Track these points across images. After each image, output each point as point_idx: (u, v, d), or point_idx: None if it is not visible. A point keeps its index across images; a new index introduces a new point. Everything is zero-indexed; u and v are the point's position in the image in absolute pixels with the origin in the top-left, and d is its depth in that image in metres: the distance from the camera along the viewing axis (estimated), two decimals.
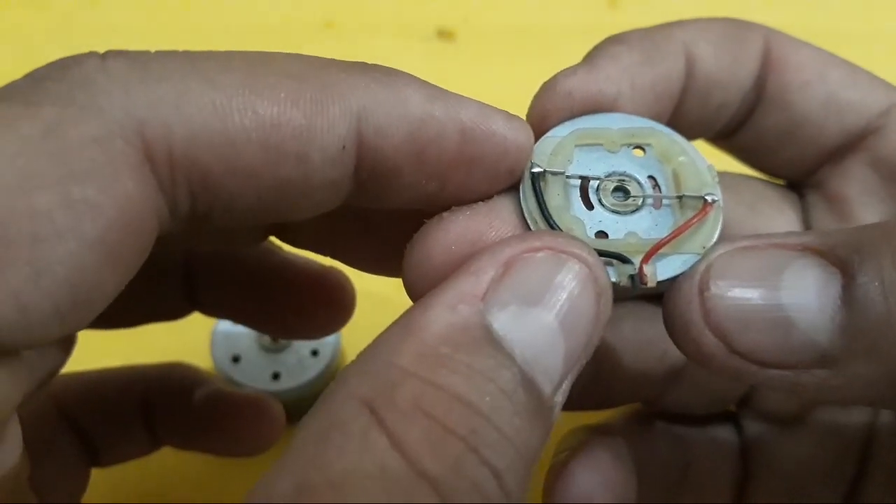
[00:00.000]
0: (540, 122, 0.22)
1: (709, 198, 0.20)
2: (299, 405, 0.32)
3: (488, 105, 0.20)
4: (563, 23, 0.52)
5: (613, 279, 0.19)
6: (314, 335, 0.34)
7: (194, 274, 0.29)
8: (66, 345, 0.22)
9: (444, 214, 0.20)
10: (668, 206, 0.21)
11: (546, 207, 0.20)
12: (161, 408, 0.30)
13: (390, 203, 0.20)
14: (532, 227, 0.20)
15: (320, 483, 0.15)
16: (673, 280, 0.20)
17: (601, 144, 0.21)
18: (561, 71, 0.22)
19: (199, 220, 0.19)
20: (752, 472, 0.28)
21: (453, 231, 0.20)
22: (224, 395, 0.31)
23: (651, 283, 0.19)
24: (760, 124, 0.25)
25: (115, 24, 0.52)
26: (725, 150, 0.27)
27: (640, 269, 0.19)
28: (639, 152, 0.22)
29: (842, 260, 0.18)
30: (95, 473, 0.30)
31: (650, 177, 0.21)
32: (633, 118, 0.22)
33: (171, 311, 0.30)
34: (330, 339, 0.37)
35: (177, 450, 0.32)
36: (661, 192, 0.21)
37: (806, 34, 0.25)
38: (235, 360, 0.37)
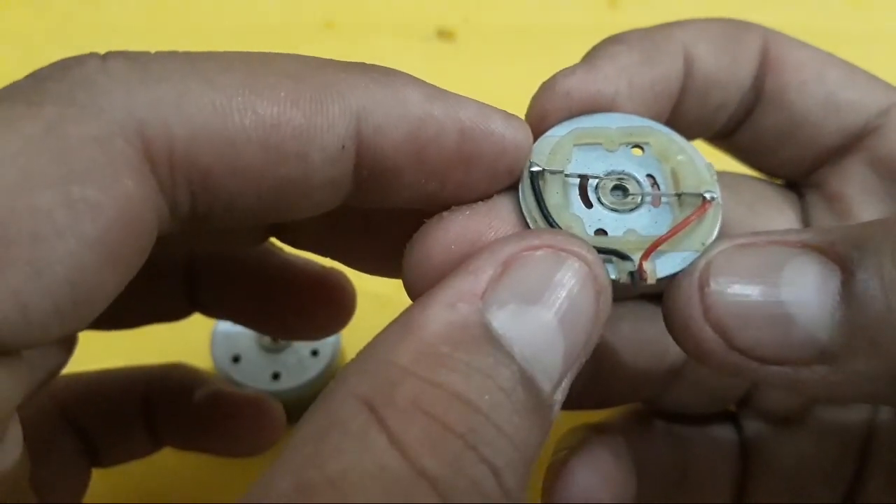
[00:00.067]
0: (539, 122, 0.22)
1: (707, 195, 0.20)
2: (299, 405, 0.32)
3: (487, 105, 0.20)
4: (563, 23, 0.52)
5: (613, 276, 0.19)
6: (314, 336, 0.34)
7: (195, 275, 0.29)
8: (67, 345, 0.22)
9: (444, 214, 0.20)
10: (667, 203, 0.21)
11: (545, 206, 0.20)
12: (162, 408, 0.30)
13: (390, 203, 0.20)
14: (531, 225, 0.20)
15: (319, 482, 0.15)
16: (672, 277, 0.20)
17: (600, 144, 0.21)
18: (559, 71, 0.22)
19: (200, 220, 0.19)
20: (751, 471, 0.28)
21: (453, 231, 0.20)
22: (224, 395, 0.31)
23: (651, 280, 0.19)
24: (759, 124, 0.25)
25: (115, 24, 0.52)
26: (724, 150, 0.27)
27: (640, 265, 0.19)
28: (637, 151, 0.22)
29: (841, 256, 0.18)
30: (96, 474, 0.30)
31: (649, 175, 0.21)
32: (631, 117, 0.22)
33: (172, 312, 0.30)
34: (330, 339, 0.37)
35: (177, 450, 0.32)
36: (659, 190, 0.21)
37: (805, 34, 0.25)
38: (235, 360, 0.37)
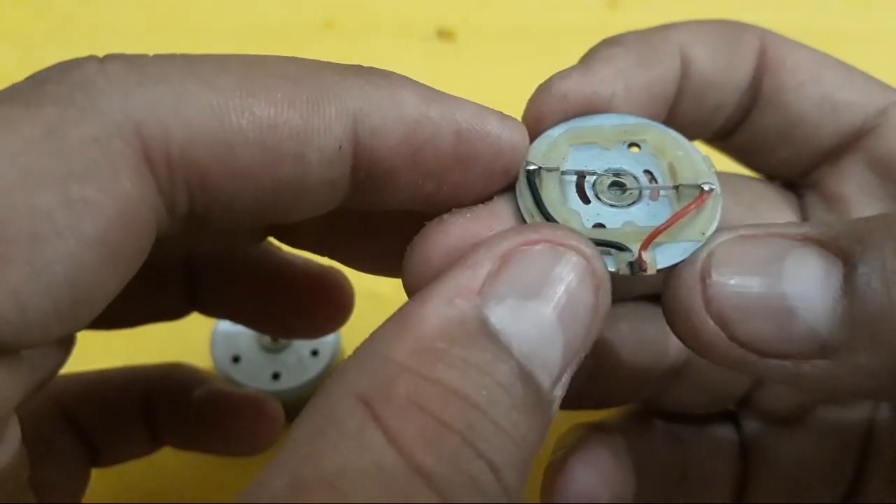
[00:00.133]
0: (535, 124, 0.22)
1: (706, 186, 0.20)
2: (299, 405, 0.32)
3: (483, 106, 0.20)
4: (563, 23, 0.52)
5: (612, 268, 0.19)
6: (314, 335, 0.34)
7: (194, 274, 0.29)
8: (66, 345, 0.22)
9: (444, 217, 0.20)
10: (665, 197, 0.21)
11: (542, 202, 0.20)
12: (161, 408, 0.30)
13: (388, 204, 0.21)
14: (529, 222, 0.20)
15: (316, 480, 0.15)
16: (673, 268, 0.20)
17: (596, 143, 0.21)
18: (556, 73, 0.22)
19: (198, 221, 0.19)
20: (751, 471, 0.28)
21: (453, 234, 0.20)
22: (224, 394, 0.31)
23: (651, 271, 0.19)
24: (757, 125, 0.25)
25: (114, 24, 0.52)
26: (722, 151, 0.27)
27: (639, 255, 0.19)
28: (634, 149, 0.22)
29: (843, 250, 0.18)
30: (96, 473, 0.30)
31: (646, 171, 0.21)
32: (627, 117, 0.22)
33: (171, 312, 0.30)
34: (330, 338, 0.37)
35: (177, 450, 0.32)
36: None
37: (804, 34, 0.25)
38: (235, 360, 0.37)
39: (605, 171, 0.21)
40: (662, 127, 0.22)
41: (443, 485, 0.15)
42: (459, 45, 0.52)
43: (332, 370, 0.37)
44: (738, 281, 0.19)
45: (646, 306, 0.26)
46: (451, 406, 0.16)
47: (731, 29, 0.24)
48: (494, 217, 0.20)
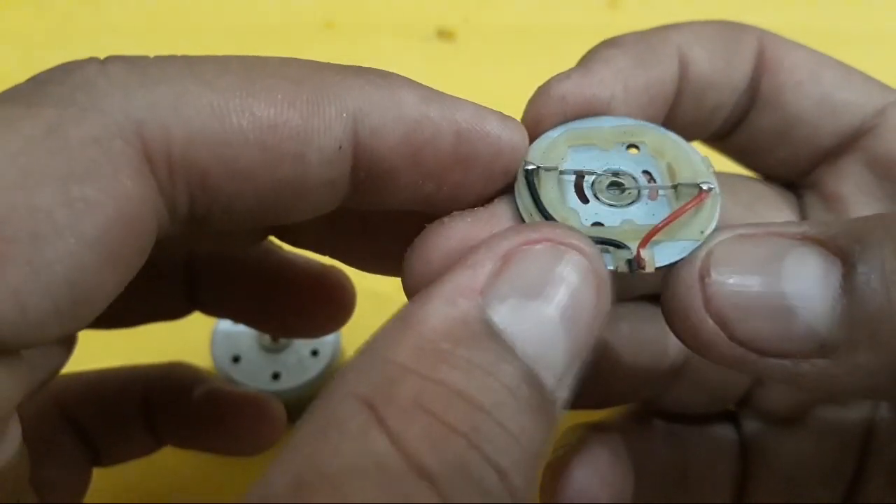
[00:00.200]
0: (534, 126, 0.22)
1: (704, 186, 0.20)
2: (299, 405, 0.32)
3: (483, 106, 0.20)
4: (563, 23, 0.52)
5: (611, 266, 0.19)
6: (314, 334, 0.34)
7: (195, 274, 0.29)
8: (67, 345, 0.22)
9: (445, 220, 0.20)
10: (664, 196, 0.21)
11: (540, 200, 0.20)
12: (162, 407, 0.30)
13: (388, 204, 0.21)
14: (528, 221, 0.20)
15: (318, 481, 0.15)
16: (671, 266, 0.20)
17: (595, 144, 0.21)
18: (554, 75, 0.22)
19: (199, 222, 0.19)
20: (751, 471, 0.28)
21: (454, 237, 0.20)
22: (224, 393, 0.31)
23: (649, 268, 0.19)
24: (755, 125, 0.25)
25: (115, 24, 0.52)
26: (721, 152, 0.27)
27: (638, 253, 0.19)
28: (633, 150, 0.22)
29: (842, 249, 0.18)
30: (96, 473, 0.30)
31: (645, 172, 0.21)
32: (625, 119, 0.22)
33: (172, 311, 0.30)
34: (330, 338, 0.37)
35: (177, 449, 0.32)
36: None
37: (804, 34, 0.25)
38: (235, 360, 0.37)
39: (604, 170, 0.21)
40: (661, 129, 0.22)
41: (447, 488, 0.15)
42: (459, 45, 0.52)
43: (333, 370, 0.37)
44: (737, 280, 0.19)
45: (645, 306, 0.26)
46: (455, 408, 0.16)
47: (729, 30, 0.24)
48: (496, 220, 0.20)
